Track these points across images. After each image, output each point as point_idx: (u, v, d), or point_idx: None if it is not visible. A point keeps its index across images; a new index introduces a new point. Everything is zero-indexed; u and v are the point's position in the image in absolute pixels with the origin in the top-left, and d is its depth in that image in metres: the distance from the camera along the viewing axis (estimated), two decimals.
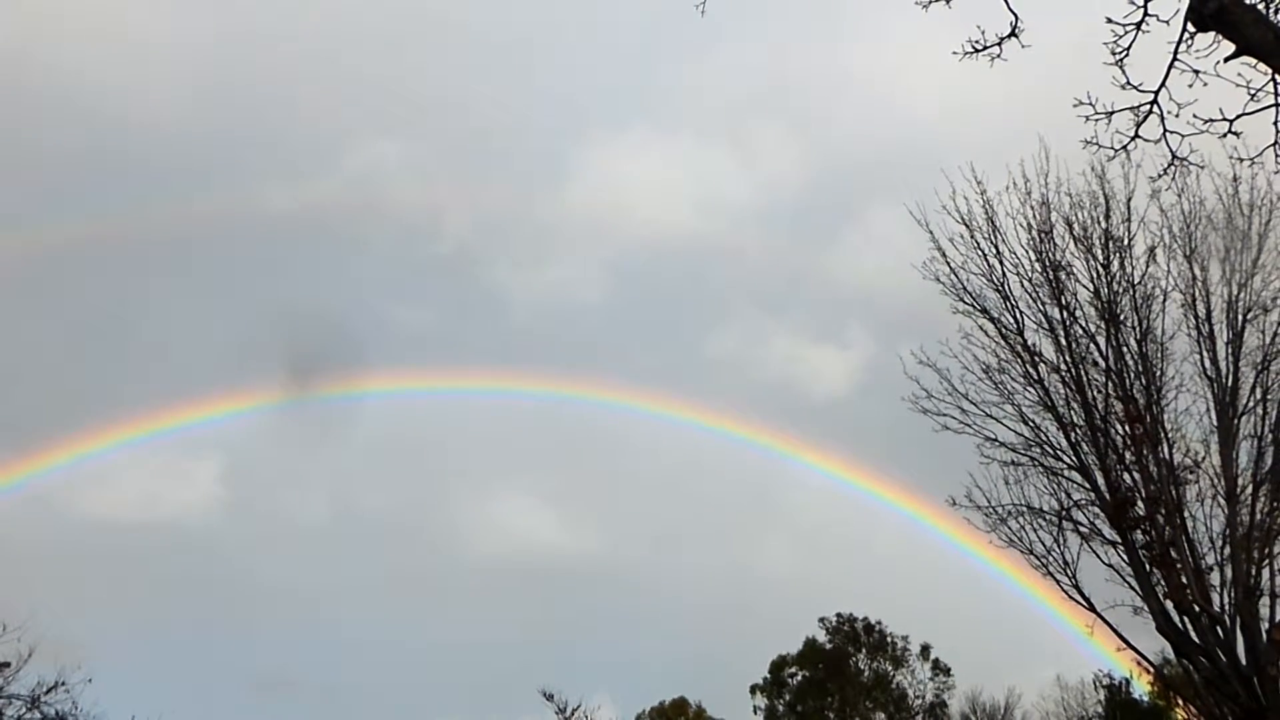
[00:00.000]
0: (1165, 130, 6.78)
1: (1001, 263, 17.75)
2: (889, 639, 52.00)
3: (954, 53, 7.17)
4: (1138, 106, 6.83)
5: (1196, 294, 17.25)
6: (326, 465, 72.66)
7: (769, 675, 52.37)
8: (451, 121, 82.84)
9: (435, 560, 69.89)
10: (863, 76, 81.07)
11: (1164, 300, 17.32)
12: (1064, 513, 17.64)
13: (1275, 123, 6.62)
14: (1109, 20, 6.31)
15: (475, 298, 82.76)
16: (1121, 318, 17.33)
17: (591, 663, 56.91)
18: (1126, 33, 6.30)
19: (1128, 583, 17.05)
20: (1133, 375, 17.31)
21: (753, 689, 52.26)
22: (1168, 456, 17.07)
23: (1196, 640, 16.46)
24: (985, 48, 7.18)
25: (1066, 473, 17.62)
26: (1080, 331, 17.54)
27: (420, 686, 57.89)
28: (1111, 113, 6.90)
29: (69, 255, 61.07)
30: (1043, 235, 17.64)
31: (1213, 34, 6.05)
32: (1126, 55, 6.34)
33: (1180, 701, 23.04)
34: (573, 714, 24.36)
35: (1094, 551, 17.50)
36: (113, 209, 61.31)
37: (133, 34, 76.17)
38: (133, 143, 74.32)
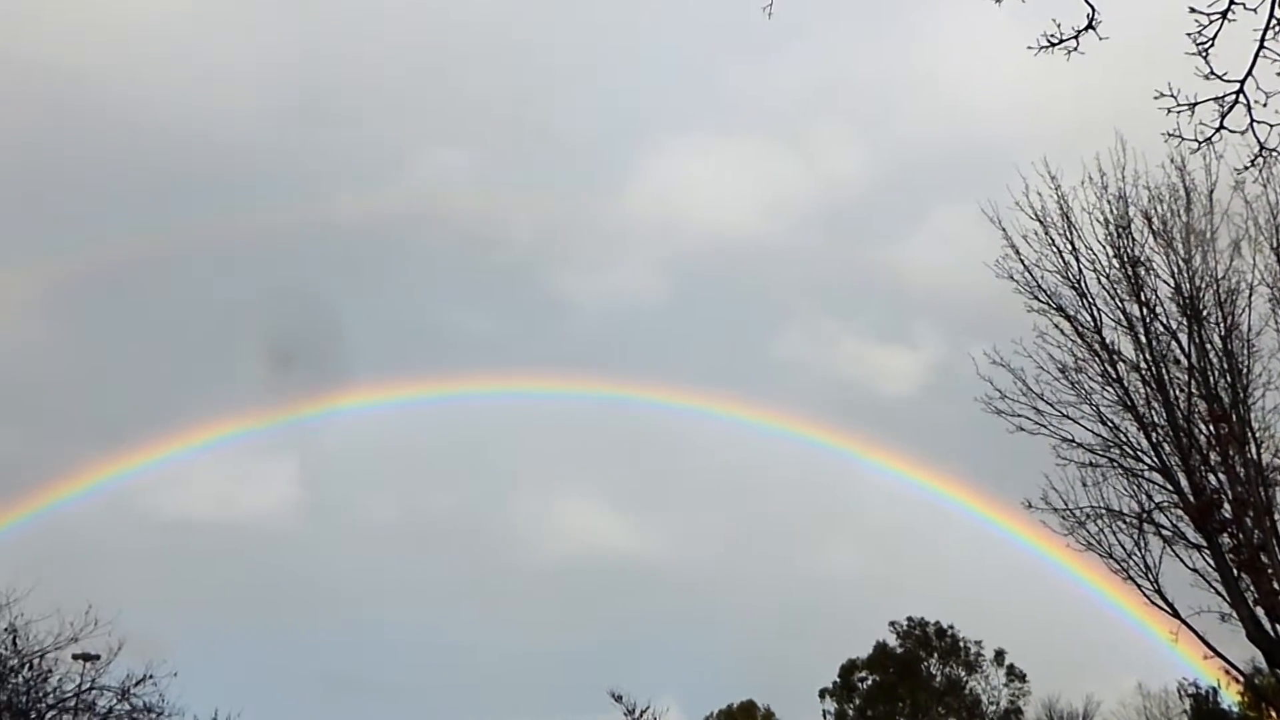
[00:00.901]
0: (1252, 120, 6.58)
1: (1077, 259, 17.38)
2: (962, 644, 51.05)
3: (1029, 48, 7.04)
4: (1222, 97, 6.64)
5: None
6: (396, 468, 74.14)
7: (838, 679, 51.83)
8: (514, 129, 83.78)
9: (502, 562, 70.68)
10: (927, 74, 79.77)
11: (1249, 295, 16.79)
12: (1145, 515, 17.18)
13: None
14: (1192, 10, 6.14)
15: (539, 303, 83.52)
16: (1204, 314, 16.82)
17: (658, 665, 56.98)
18: (1211, 22, 6.13)
19: (1214, 588, 16.53)
20: (1217, 373, 16.78)
21: (822, 693, 51.79)
22: (1256, 456, 16.51)
23: None
24: (1061, 41, 7.03)
25: (1147, 474, 17.17)
26: (1161, 328, 17.08)
27: (486, 688, 58.56)
28: (1195, 104, 6.72)
29: (151, 265, 63.24)
30: (1120, 230, 17.21)
31: None
32: (1211, 45, 6.17)
33: (1273, 713, 22.23)
34: (641, 716, 24.41)
35: (1177, 555, 17.02)
36: (193, 221, 63.30)
37: (214, 58, 78.83)
38: (211, 160, 76.71)
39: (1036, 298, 17.65)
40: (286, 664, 55.95)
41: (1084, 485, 17.45)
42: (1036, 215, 17.54)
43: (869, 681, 51.39)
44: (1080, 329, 17.47)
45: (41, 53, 73.20)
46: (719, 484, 74.11)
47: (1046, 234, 17.50)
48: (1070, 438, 17.56)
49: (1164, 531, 17.10)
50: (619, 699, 26.41)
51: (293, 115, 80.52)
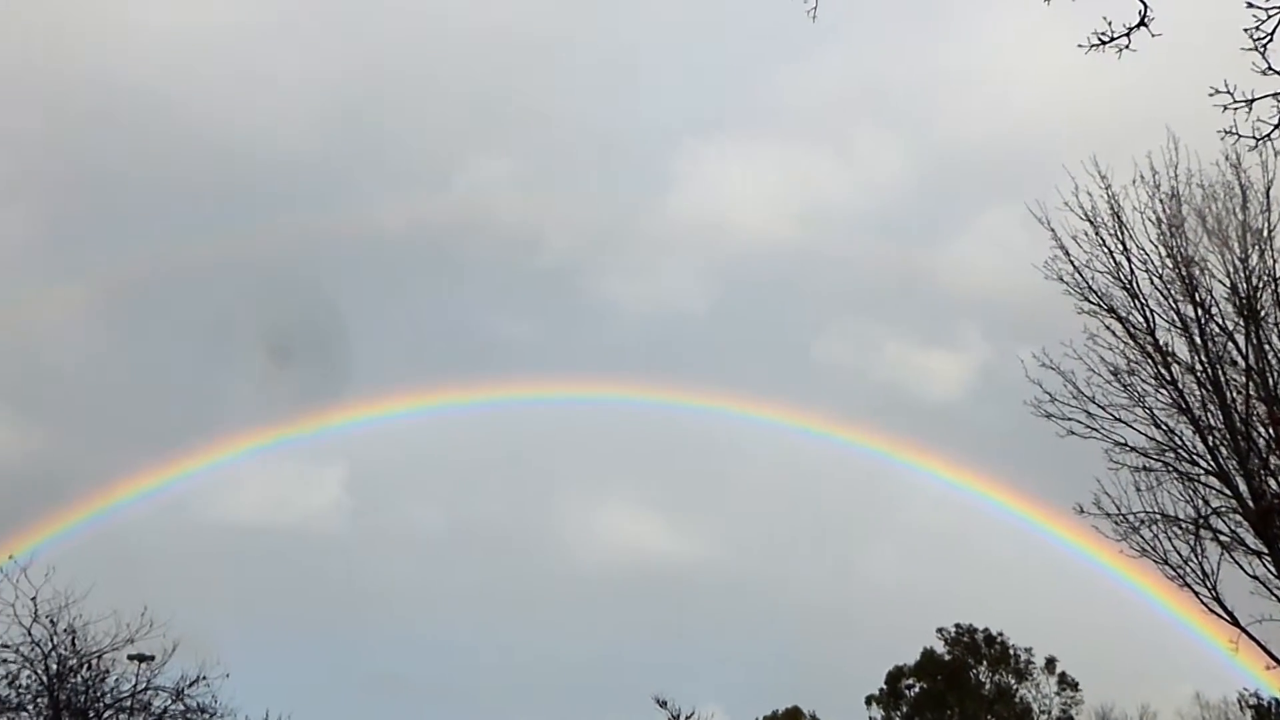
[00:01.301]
0: None
1: (1129, 259, 17.06)
2: (1011, 651, 50.23)
3: (1079, 46, 6.95)
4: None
5: None
6: (440, 473, 74.79)
7: (885, 686, 51.25)
8: (556, 136, 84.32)
9: (545, 567, 70.98)
10: (968, 74, 79.03)
11: None
12: (1202, 520, 16.78)
13: None
14: (1250, 4, 6.02)
15: (581, 309, 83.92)
16: (1262, 314, 16.42)
17: (703, 671, 56.72)
18: (1270, 17, 6.00)
19: (1276, 595, 16.10)
20: (1276, 374, 16.36)
21: (869, 700, 51.24)
22: None
23: None
24: (1113, 39, 6.94)
25: (1204, 478, 16.77)
26: (1216, 329, 16.70)
27: (532, 692, 58.75)
28: (1252, 100, 6.59)
29: (202, 274, 64.59)
30: (1173, 229, 16.87)
31: None
32: (1270, 40, 6.04)
33: None
34: None
35: (1236, 562, 16.60)
36: (240, 232, 64.55)
37: (263, 74, 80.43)
38: (260, 172, 78.25)
39: (1087, 299, 17.36)
40: (333, 666, 56.65)
41: (1137, 490, 17.11)
42: (1086, 215, 17.26)
43: (916, 689, 50.75)
44: (1132, 330, 17.14)
45: (96, 70, 75.28)
46: (762, 488, 73.80)
47: (1097, 234, 17.22)
48: (1123, 441, 17.23)
49: (1222, 537, 16.71)
50: (664, 704, 26.44)
51: (338, 128, 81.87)
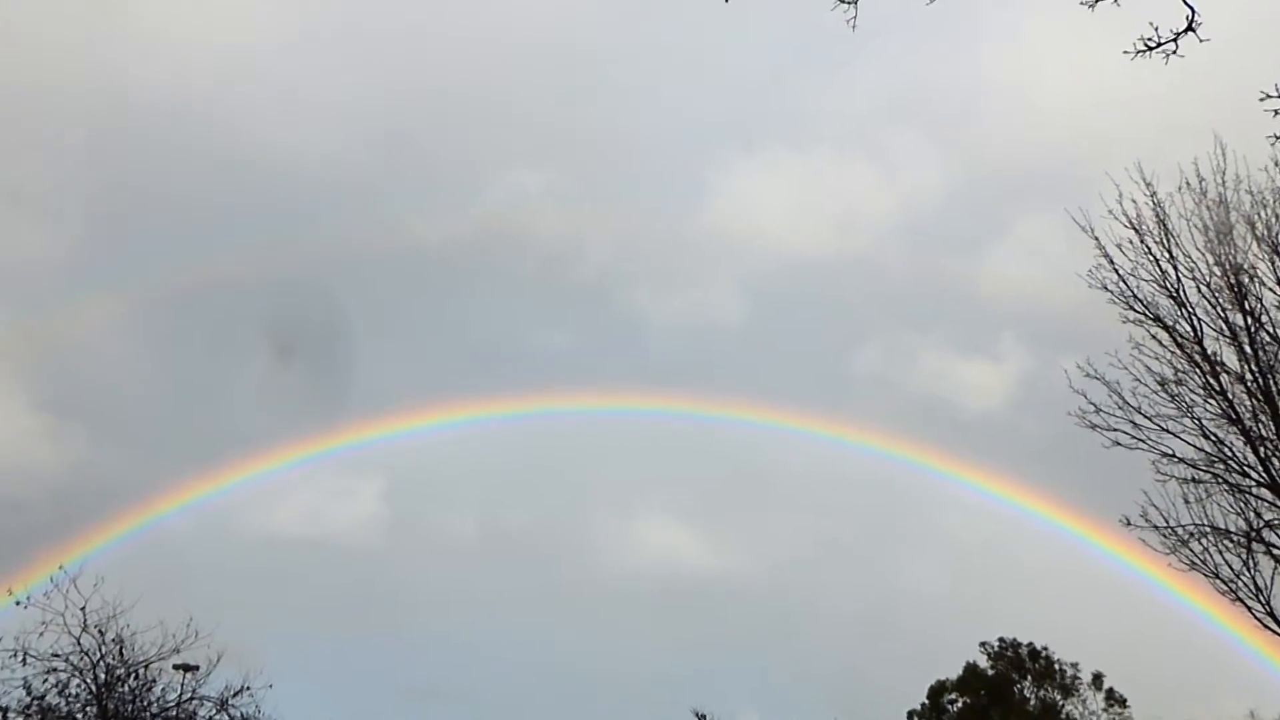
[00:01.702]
0: None
1: (1175, 267, 16.76)
2: (1057, 665, 49.34)
3: (1125, 53, 6.86)
4: None
5: None
6: (475, 485, 75.14)
7: (926, 701, 50.54)
8: (589, 149, 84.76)
9: (580, 578, 70.95)
10: (1005, 81, 78.25)
11: None
12: (1254, 534, 16.40)
13: None
14: None
15: (615, 321, 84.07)
16: None
17: (739, 683, 56.41)
18: None
19: None
20: None
21: (910, 715, 50.57)
22: None
23: None
24: (1160, 44, 6.83)
25: (1255, 490, 16.39)
26: (1267, 338, 16.34)
27: (567, 703, 58.81)
28: None
29: (243, 289, 65.65)
30: (1221, 236, 16.55)
31: None
32: None
33: None
34: None
35: None
36: (277, 246, 65.58)
37: (300, 94, 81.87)
38: (299, 189, 79.47)
39: (1132, 308, 17.07)
40: (372, 675, 57.04)
41: (1186, 502, 16.76)
42: (1131, 223, 17.00)
43: (959, 704, 50.00)
44: (1180, 340, 16.82)
45: (137, 87, 76.98)
46: (798, 500, 73.32)
47: (1142, 242, 16.94)
48: (1171, 452, 16.89)
49: (1275, 550, 16.31)
50: (702, 717, 26.25)
51: (375, 144, 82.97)
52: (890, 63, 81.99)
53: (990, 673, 49.91)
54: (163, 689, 19.72)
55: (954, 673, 50.34)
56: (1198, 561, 16.72)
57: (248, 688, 19.82)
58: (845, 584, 69.08)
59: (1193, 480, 16.76)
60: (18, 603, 18.89)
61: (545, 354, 77.44)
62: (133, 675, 19.29)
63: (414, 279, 79.61)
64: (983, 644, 50.27)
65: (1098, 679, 48.93)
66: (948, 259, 75.76)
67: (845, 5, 9.16)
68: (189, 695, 19.96)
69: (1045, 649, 49.67)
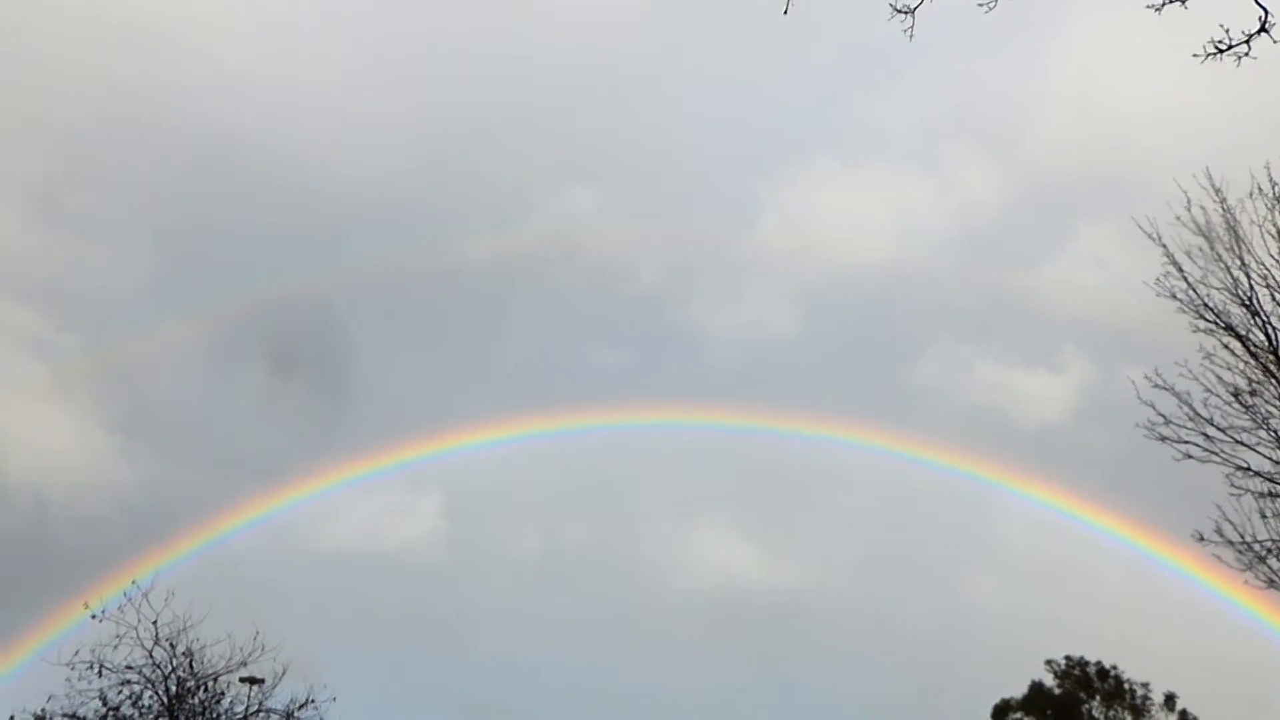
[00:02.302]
0: None
1: (1248, 275, 16.27)
2: (1127, 685, 47.94)
3: (1194, 55, 6.73)
4: None
5: None
6: (533, 501, 75.60)
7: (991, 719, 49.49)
8: (640, 164, 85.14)
9: (638, 594, 70.91)
10: (1064, 90, 77.04)
11: None
12: None
13: None
14: None
15: (670, 336, 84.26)
16: None
17: (799, 700, 55.79)
18: None
19: None
20: None
21: None
22: None
23: None
24: (1231, 46, 6.70)
25: None
26: None
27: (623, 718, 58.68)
28: None
29: (301, 309, 67.06)
30: None
31: None
32: None
33: None
34: None
35: None
36: (334, 270, 66.94)
37: (355, 116, 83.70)
38: (354, 210, 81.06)
39: (1203, 316, 16.59)
40: (432, 691, 57.51)
41: (1263, 517, 16.19)
42: (1200, 230, 16.55)
43: None
44: (1253, 349, 16.32)
45: (201, 119, 79.31)
46: (855, 514, 72.52)
47: (1212, 249, 16.48)
48: (1245, 465, 16.35)
49: None
50: None
51: (429, 167, 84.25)
52: (946, 73, 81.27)
53: (1057, 692, 48.67)
54: (230, 701, 20.15)
55: (1019, 691, 49.19)
56: (1275, 578, 16.16)
57: (312, 700, 20.18)
58: (906, 600, 68.12)
59: (1269, 494, 16.23)
60: (93, 616, 19.49)
61: (601, 369, 77.92)
62: (202, 688, 19.73)
63: (469, 298, 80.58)
64: (1049, 662, 49.09)
65: (1170, 700, 47.42)
66: (1006, 270, 74.59)
67: (902, 15, 9.13)
68: (256, 708, 20.36)
69: (1114, 668, 48.32)
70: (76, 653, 19.12)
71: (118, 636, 19.30)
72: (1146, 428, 16.83)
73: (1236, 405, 16.37)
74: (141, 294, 78.03)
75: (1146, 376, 16.90)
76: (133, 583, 19.58)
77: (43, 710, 19.62)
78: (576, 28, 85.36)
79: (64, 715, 19.12)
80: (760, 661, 60.36)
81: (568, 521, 77.57)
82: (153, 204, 79.63)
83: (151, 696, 19.36)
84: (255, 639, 19.65)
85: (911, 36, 9.06)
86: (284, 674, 20.19)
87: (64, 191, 79.39)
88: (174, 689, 19.44)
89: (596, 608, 68.96)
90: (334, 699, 20.62)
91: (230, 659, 19.69)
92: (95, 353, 66.26)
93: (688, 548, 73.25)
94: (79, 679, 19.12)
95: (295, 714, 20.21)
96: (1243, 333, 16.33)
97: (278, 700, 20.36)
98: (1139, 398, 16.94)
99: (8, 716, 20.07)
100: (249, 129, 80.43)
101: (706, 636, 65.98)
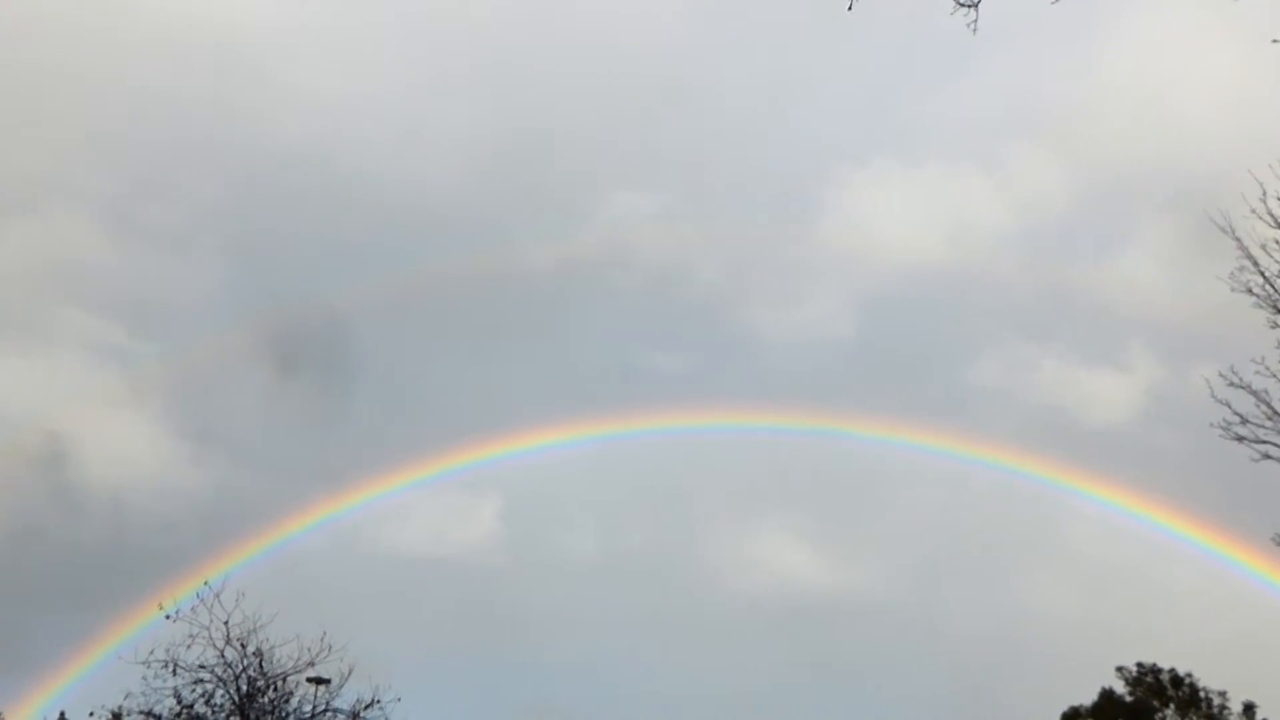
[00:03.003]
0: None
1: None
2: (1202, 694, 46.47)
3: (1274, 40, 6.52)
4: None
5: None
6: (592, 503, 75.93)
7: None
8: (698, 169, 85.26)
9: (696, 597, 70.71)
10: (1127, 84, 75.24)
11: None
12: None
13: None
14: None
15: (729, 338, 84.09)
16: None
17: (859, 704, 55.13)
18: None
19: None
20: None
21: None
22: None
23: None
24: None
25: None
26: None
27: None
28: None
29: (362, 317, 68.30)
30: None
31: None
32: None
33: None
34: None
35: None
36: (393, 279, 68.08)
37: (419, 130, 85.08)
38: (418, 220, 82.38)
39: None
40: (492, 692, 58.02)
41: None
42: (1277, 222, 16.00)
43: None
44: None
45: (264, 134, 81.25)
46: (916, 516, 71.51)
47: None
48: None
49: None
50: None
51: (488, 176, 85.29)
52: (1006, 70, 79.94)
53: (1129, 699, 47.36)
54: (298, 701, 20.53)
55: (1088, 699, 47.96)
56: None
57: (378, 700, 20.46)
58: (970, 603, 66.96)
59: None
60: (168, 616, 20.01)
61: (660, 372, 78.05)
62: (272, 687, 20.14)
63: (529, 304, 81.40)
64: (1119, 669, 47.79)
65: (1249, 710, 45.82)
66: (1068, 267, 73.04)
67: (965, 9, 8.99)
68: (323, 707, 20.72)
69: (1189, 675, 46.86)
70: (152, 652, 19.65)
71: (191, 636, 19.79)
72: (1222, 427, 16.30)
73: None
74: (211, 303, 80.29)
75: (1221, 374, 16.37)
76: (205, 584, 20.06)
77: (120, 707, 20.19)
78: (634, 34, 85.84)
79: (140, 712, 19.66)
80: (819, 664, 59.84)
81: (626, 524, 77.77)
82: (221, 216, 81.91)
83: (223, 695, 19.81)
84: (322, 639, 20.03)
85: (975, 30, 8.93)
86: (350, 674, 20.53)
87: (137, 206, 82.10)
88: (245, 688, 19.86)
89: (654, 610, 68.98)
90: (398, 699, 20.90)
91: (298, 659, 20.08)
92: (167, 361, 68.31)
93: (745, 550, 72.94)
94: (154, 677, 19.66)
95: (361, 714, 20.52)
96: None
97: (344, 700, 20.70)
98: (1213, 396, 16.41)
99: (87, 713, 20.69)
100: (313, 142, 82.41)
101: (763, 639, 65.59)
